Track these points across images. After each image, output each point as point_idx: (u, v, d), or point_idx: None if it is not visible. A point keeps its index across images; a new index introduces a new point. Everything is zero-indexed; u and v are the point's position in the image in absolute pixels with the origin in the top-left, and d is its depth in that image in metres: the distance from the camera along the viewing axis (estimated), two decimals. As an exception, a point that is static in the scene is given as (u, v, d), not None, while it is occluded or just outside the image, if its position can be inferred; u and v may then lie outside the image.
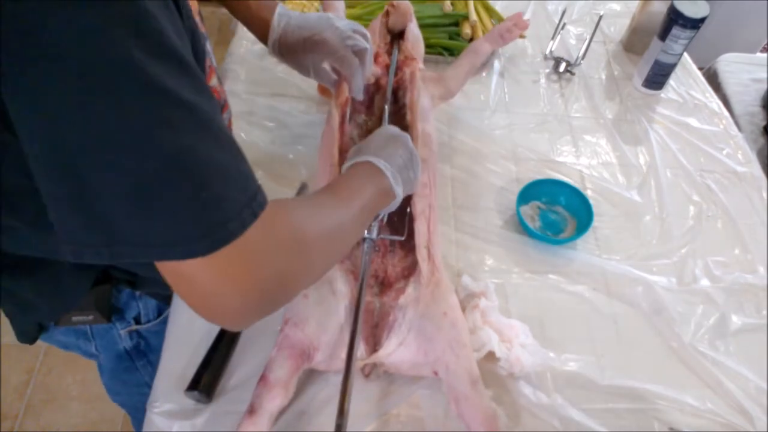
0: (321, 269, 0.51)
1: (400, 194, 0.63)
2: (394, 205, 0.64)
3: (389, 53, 0.88)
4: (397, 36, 0.91)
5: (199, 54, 0.49)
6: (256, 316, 0.44)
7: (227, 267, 0.39)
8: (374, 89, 0.86)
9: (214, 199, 0.38)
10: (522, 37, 1.14)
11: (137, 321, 0.72)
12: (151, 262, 0.40)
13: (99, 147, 0.34)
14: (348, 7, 1.13)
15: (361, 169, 0.61)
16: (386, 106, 0.80)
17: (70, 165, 0.35)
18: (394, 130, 0.68)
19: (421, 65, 0.87)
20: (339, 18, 0.75)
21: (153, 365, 0.80)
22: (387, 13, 0.90)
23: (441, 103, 0.87)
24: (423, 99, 0.80)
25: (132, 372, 0.80)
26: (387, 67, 0.86)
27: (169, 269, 0.40)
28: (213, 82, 0.67)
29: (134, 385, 0.82)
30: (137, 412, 0.98)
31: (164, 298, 0.73)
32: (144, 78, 0.34)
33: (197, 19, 0.56)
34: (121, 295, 0.69)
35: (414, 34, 0.89)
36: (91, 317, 0.66)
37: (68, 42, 0.32)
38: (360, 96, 0.77)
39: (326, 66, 0.76)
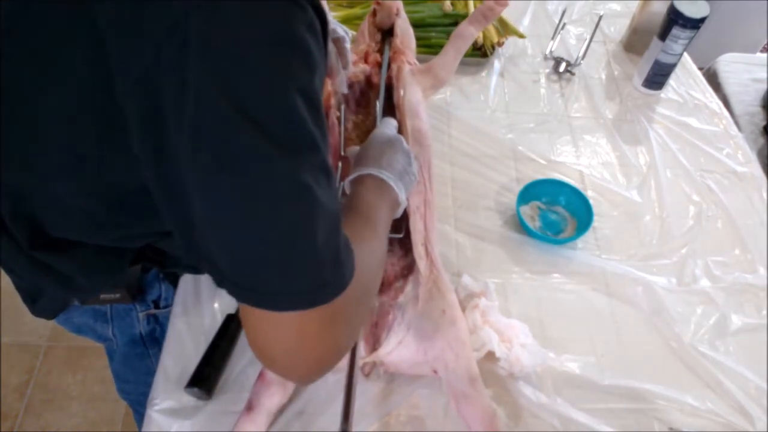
0: (372, 306, 0.56)
1: (404, 201, 0.65)
2: (399, 213, 0.66)
3: (381, 51, 0.88)
4: (387, 33, 0.91)
5: None
6: (326, 370, 0.46)
7: (318, 320, 0.41)
8: (367, 87, 0.86)
9: (335, 254, 0.40)
10: (522, 36, 1.14)
11: (156, 305, 0.74)
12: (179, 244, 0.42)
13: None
14: (348, 7, 1.13)
15: (369, 185, 0.62)
16: (378, 104, 0.81)
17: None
18: (389, 133, 0.69)
19: (412, 59, 0.87)
20: None
21: None
22: (374, 12, 0.91)
23: (433, 93, 0.87)
24: (411, 95, 0.80)
25: (143, 359, 0.81)
26: (378, 64, 0.87)
27: (257, 316, 0.41)
28: None
29: (143, 373, 0.83)
30: (140, 407, 0.99)
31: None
32: (306, 135, 0.38)
33: None
34: (147, 274, 0.70)
35: (402, 29, 0.90)
36: (118, 295, 0.68)
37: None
38: (344, 88, 0.78)
39: None
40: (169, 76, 0.34)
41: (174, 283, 0.74)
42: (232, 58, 0.34)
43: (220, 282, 0.40)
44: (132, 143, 0.38)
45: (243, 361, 0.67)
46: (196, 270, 0.71)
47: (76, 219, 0.51)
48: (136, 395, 0.93)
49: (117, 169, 0.44)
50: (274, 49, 0.35)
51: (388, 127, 0.74)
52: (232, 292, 0.40)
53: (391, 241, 0.73)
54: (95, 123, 0.40)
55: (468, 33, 0.88)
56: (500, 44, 1.10)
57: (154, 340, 0.78)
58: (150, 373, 0.79)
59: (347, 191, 0.64)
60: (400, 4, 0.91)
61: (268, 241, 0.38)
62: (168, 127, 0.36)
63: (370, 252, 0.52)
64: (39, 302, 0.67)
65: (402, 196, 0.64)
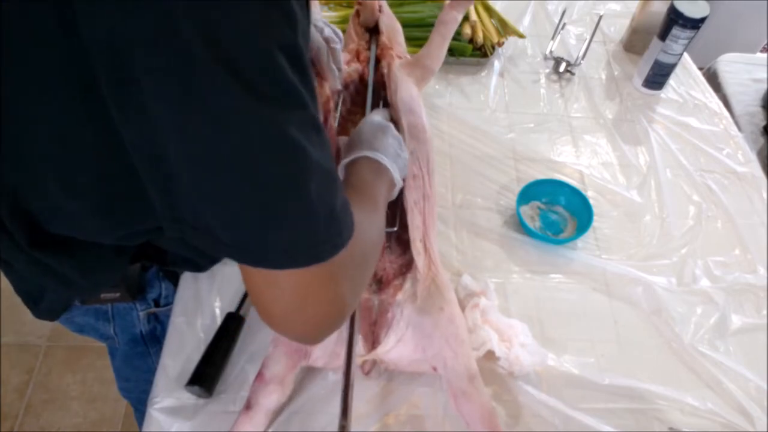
0: (371, 275, 0.55)
1: (399, 182, 0.66)
2: (395, 194, 0.67)
3: (370, 49, 0.89)
4: (373, 31, 0.91)
5: None
6: (331, 330, 0.46)
7: (319, 278, 0.41)
8: (362, 86, 0.87)
9: (332, 212, 0.40)
10: (522, 36, 1.14)
11: (156, 303, 0.74)
12: (186, 242, 0.42)
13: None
14: (347, 7, 1.13)
15: (365, 165, 0.64)
16: (368, 97, 0.82)
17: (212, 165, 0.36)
18: (378, 120, 0.71)
19: (401, 52, 0.88)
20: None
21: None
22: (357, 13, 0.91)
23: (424, 84, 0.87)
24: (404, 91, 0.80)
25: (144, 358, 0.81)
26: (368, 61, 0.87)
27: (259, 277, 0.41)
28: None
29: (144, 371, 0.84)
30: (141, 405, 1.00)
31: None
32: (292, 90, 0.37)
33: None
34: (147, 273, 0.70)
35: (387, 25, 0.90)
36: (118, 294, 0.68)
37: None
38: (338, 85, 0.79)
39: None
40: (140, 33, 0.33)
41: (174, 281, 0.74)
42: (215, 11, 0.33)
43: (214, 246, 0.40)
44: (112, 115, 0.37)
45: (243, 359, 0.67)
46: (197, 267, 0.71)
47: (72, 218, 0.51)
48: (137, 393, 0.93)
49: (104, 157, 0.43)
50: (254, 3, 0.34)
51: (378, 114, 0.75)
52: (227, 253, 0.40)
53: (388, 238, 0.73)
54: (73, 98, 0.38)
55: (451, 17, 0.88)
56: (500, 44, 1.10)
57: (154, 338, 0.78)
58: (151, 371, 0.80)
59: (341, 176, 0.65)
60: (384, 2, 0.91)
61: (258, 198, 0.37)
62: (147, 87, 0.34)
63: (370, 222, 0.52)
64: (41, 304, 0.67)
65: (397, 176, 0.65)
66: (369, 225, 0.51)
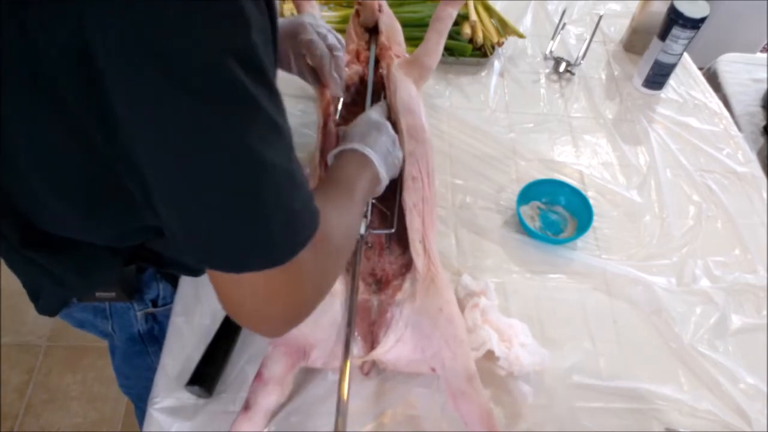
0: (344, 267, 0.56)
1: (385, 178, 0.67)
2: (380, 190, 0.68)
3: (370, 49, 0.89)
4: (373, 31, 0.91)
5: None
6: (294, 325, 0.47)
7: (281, 279, 0.42)
8: (363, 87, 0.87)
9: (290, 216, 0.40)
10: (522, 36, 1.14)
11: (154, 304, 0.74)
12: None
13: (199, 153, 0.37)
14: (347, 7, 1.13)
15: (351, 157, 0.65)
16: (368, 97, 0.82)
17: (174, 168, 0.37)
18: (375, 117, 0.72)
19: (400, 52, 0.88)
20: (315, 19, 0.78)
21: None
22: (357, 13, 0.91)
23: (423, 82, 0.87)
24: (403, 92, 0.80)
25: (143, 357, 0.81)
26: (368, 61, 0.88)
27: (223, 278, 0.41)
28: None
29: (144, 369, 0.84)
30: (141, 402, 1.00)
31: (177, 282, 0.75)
32: (244, 96, 0.37)
33: None
34: (143, 274, 0.71)
35: (387, 25, 0.90)
36: (113, 294, 0.68)
37: (185, 66, 0.34)
38: (340, 93, 0.79)
39: (307, 62, 0.79)
40: (96, 42, 0.34)
41: (173, 282, 0.74)
42: (155, 22, 0.33)
43: (179, 248, 0.41)
44: (77, 119, 0.38)
45: (243, 359, 0.67)
46: (192, 271, 0.72)
47: (60, 218, 0.52)
48: (138, 390, 0.94)
49: (84, 158, 0.43)
50: (199, 12, 0.34)
51: (376, 111, 0.75)
52: (189, 257, 0.40)
53: (388, 239, 0.73)
54: (39, 103, 0.39)
55: (446, 14, 0.88)
56: (500, 44, 1.10)
57: (153, 338, 0.78)
58: (150, 369, 0.80)
59: (329, 163, 0.67)
60: (384, 2, 0.91)
61: (211, 204, 0.38)
62: (104, 93, 0.35)
63: (342, 216, 0.53)
64: (40, 300, 0.68)
65: (384, 175, 0.66)
66: (339, 219, 0.52)
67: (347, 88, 0.85)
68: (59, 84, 0.37)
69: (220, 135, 0.36)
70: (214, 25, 0.35)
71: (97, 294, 0.68)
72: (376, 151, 0.66)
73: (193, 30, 0.34)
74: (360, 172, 0.64)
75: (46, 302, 0.68)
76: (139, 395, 0.96)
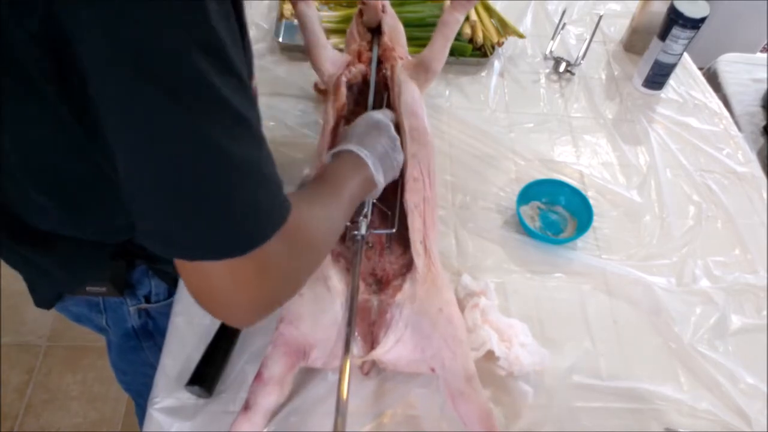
0: (321, 262, 0.55)
1: (381, 182, 0.67)
2: (376, 193, 0.68)
3: (372, 50, 0.89)
4: (376, 31, 0.91)
5: (248, 54, 0.52)
6: (264, 316, 0.46)
7: (247, 269, 0.41)
8: (365, 87, 0.87)
9: (252, 207, 0.40)
10: (522, 37, 1.14)
11: (147, 300, 0.74)
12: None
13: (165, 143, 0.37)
14: (347, 7, 1.13)
15: (345, 158, 0.65)
16: (369, 98, 0.82)
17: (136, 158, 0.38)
18: (377, 117, 0.72)
19: (403, 53, 0.88)
20: None
21: (159, 348, 0.83)
22: (361, 13, 0.91)
23: (427, 86, 0.87)
24: (407, 94, 0.80)
25: (138, 352, 0.82)
26: (371, 62, 0.88)
27: (189, 267, 0.42)
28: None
29: (140, 365, 0.84)
30: (140, 398, 1.00)
31: (174, 281, 0.75)
32: (209, 88, 0.37)
33: None
34: (135, 271, 0.71)
35: (390, 26, 0.90)
36: (104, 289, 0.68)
37: (149, 56, 0.35)
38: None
39: None
40: (66, 31, 0.34)
41: (166, 279, 0.74)
42: (120, 11, 0.34)
43: (142, 236, 0.41)
44: (60, 112, 0.39)
45: (243, 359, 0.67)
46: None
47: (44, 211, 0.52)
48: (136, 386, 0.94)
49: (63, 153, 0.44)
50: (165, 3, 0.35)
51: (381, 112, 0.75)
52: (153, 246, 0.41)
53: (389, 239, 0.74)
54: (18, 94, 0.40)
55: (453, 19, 0.88)
56: (500, 44, 1.10)
57: (147, 333, 0.79)
58: (146, 364, 0.80)
59: (325, 162, 0.67)
60: (387, 2, 0.91)
61: (174, 193, 0.38)
62: (80, 81, 0.36)
63: (322, 211, 0.53)
64: (35, 293, 0.68)
65: (379, 177, 0.66)
66: (319, 214, 0.52)
67: (349, 87, 0.85)
68: (32, 72, 0.37)
69: (182, 125, 0.37)
70: (177, 16, 0.35)
71: (88, 288, 0.68)
72: (373, 152, 0.66)
73: (157, 21, 0.34)
74: (352, 173, 0.63)
75: (41, 295, 0.69)
76: (138, 391, 0.96)
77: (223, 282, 0.42)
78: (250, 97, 0.41)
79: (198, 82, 0.36)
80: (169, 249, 0.41)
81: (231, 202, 0.39)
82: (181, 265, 0.42)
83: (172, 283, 0.75)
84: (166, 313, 0.74)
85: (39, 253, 0.59)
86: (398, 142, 0.71)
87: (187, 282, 0.43)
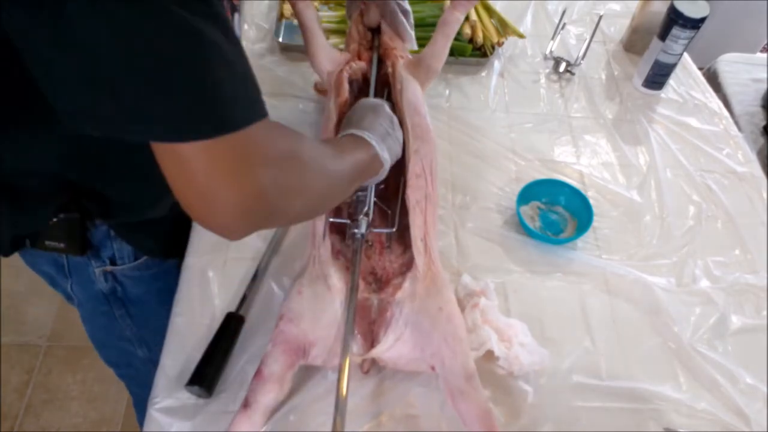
0: (313, 202, 0.53)
1: (387, 159, 0.67)
2: (383, 174, 0.67)
3: (372, 49, 0.89)
4: (376, 31, 0.91)
5: None
6: (250, 222, 0.46)
7: (226, 156, 0.41)
8: (365, 84, 0.87)
9: (226, 90, 0.40)
10: (522, 37, 1.14)
11: (113, 262, 0.74)
12: (124, 183, 0.43)
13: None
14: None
15: (347, 138, 0.65)
16: (370, 95, 0.82)
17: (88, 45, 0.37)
18: (371, 101, 0.72)
19: (403, 52, 0.88)
20: None
21: (133, 318, 0.81)
22: (361, 13, 0.91)
23: (428, 84, 0.88)
24: (409, 92, 0.80)
25: (110, 318, 0.81)
26: (371, 60, 0.88)
27: (169, 155, 0.41)
28: None
29: (116, 337, 0.83)
30: (131, 381, 1.00)
31: (139, 244, 0.74)
32: None
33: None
34: (96, 231, 0.70)
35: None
36: (62, 245, 0.68)
37: None
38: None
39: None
40: None
41: (130, 240, 0.73)
42: None
43: (108, 123, 0.40)
44: None
45: (243, 359, 0.67)
46: (137, 213, 0.70)
47: None
48: (119, 362, 0.92)
49: None
50: None
51: (372, 99, 0.76)
52: (123, 131, 0.40)
53: (389, 238, 0.74)
54: None
55: (453, 18, 0.89)
56: (500, 44, 1.10)
57: (117, 300, 0.78)
58: (123, 339, 0.80)
59: None
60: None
61: (143, 70, 0.37)
62: None
63: (321, 152, 0.54)
64: None
65: (384, 156, 0.66)
66: (309, 143, 0.52)
67: (350, 83, 0.85)
68: None
69: (166, 10, 0.37)
70: None
71: (47, 242, 0.67)
72: (374, 133, 0.66)
73: None
74: (355, 147, 0.63)
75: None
76: (128, 374, 0.95)
77: (200, 165, 0.41)
78: (225, 18, 0.41)
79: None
80: (138, 129, 0.40)
81: (200, 80, 0.39)
82: (161, 157, 0.41)
83: (137, 246, 0.74)
84: (135, 278, 0.74)
85: None
86: (396, 121, 0.71)
87: (166, 172, 0.43)
